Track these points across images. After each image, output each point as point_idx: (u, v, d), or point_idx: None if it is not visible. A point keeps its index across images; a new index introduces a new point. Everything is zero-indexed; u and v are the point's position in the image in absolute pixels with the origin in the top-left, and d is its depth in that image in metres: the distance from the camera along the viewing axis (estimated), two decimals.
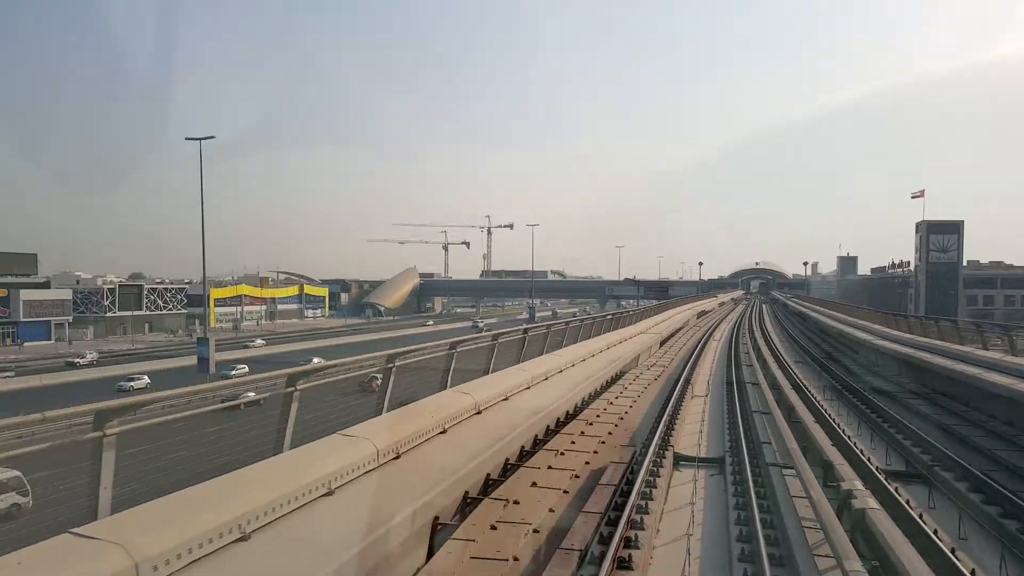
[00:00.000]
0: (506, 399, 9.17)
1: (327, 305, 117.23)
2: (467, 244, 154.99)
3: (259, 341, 73.30)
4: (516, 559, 5.05)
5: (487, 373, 10.47)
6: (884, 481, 8.63)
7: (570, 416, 10.71)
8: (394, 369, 7.77)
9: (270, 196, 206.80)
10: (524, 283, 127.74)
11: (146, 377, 41.65)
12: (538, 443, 8.86)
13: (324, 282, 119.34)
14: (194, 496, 4.18)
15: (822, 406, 13.90)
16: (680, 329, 30.22)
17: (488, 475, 6.87)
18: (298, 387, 5.81)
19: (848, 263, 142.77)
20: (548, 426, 9.65)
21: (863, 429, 13.39)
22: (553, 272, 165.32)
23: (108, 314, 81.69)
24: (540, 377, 11.01)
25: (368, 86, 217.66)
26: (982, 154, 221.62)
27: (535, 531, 5.59)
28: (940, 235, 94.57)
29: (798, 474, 8.00)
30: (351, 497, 4.95)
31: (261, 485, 4.45)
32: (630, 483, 7.25)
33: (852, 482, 7.25)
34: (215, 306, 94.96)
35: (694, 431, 11.03)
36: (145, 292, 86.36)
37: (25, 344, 71.92)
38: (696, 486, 8.66)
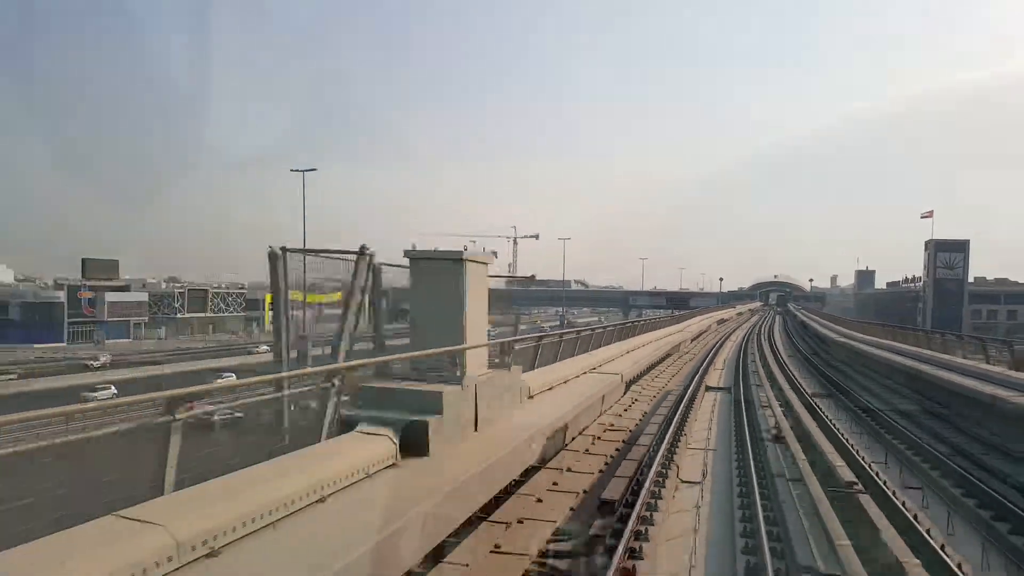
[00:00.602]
0: (601, 365, 19.60)
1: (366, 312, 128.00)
2: (495, 253, 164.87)
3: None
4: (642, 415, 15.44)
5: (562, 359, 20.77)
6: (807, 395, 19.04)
7: (650, 368, 21.11)
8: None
9: (294, 205, 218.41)
10: (549, 292, 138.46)
11: (112, 387, 38.74)
12: (634, 380, 19.27)
13: None
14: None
15: (789, 367, 24.38)
16: (704, 332, 40.58)
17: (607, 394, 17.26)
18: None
19: (865, 277, 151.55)
20: (639, 372, 20.07)
21: (808, 373, 23.82)
22: (576, 281, 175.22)
23: (178, 316, 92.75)
24: (621, 353, 21.28)
25: (394, 102, 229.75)
26: (998, 170, 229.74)
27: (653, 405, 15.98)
28: (947, 253, 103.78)
29: (763, 388, 18.40)
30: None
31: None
32: (686, 396, 17.61)
33: (788, 395, 17.64)
34: (270, 309, 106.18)
35: (717, 377, 21.42)
36: (210, 296, 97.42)
37: (107, 341, 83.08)
38: (716, 398, 18.93)
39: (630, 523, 7.33)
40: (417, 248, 8.24)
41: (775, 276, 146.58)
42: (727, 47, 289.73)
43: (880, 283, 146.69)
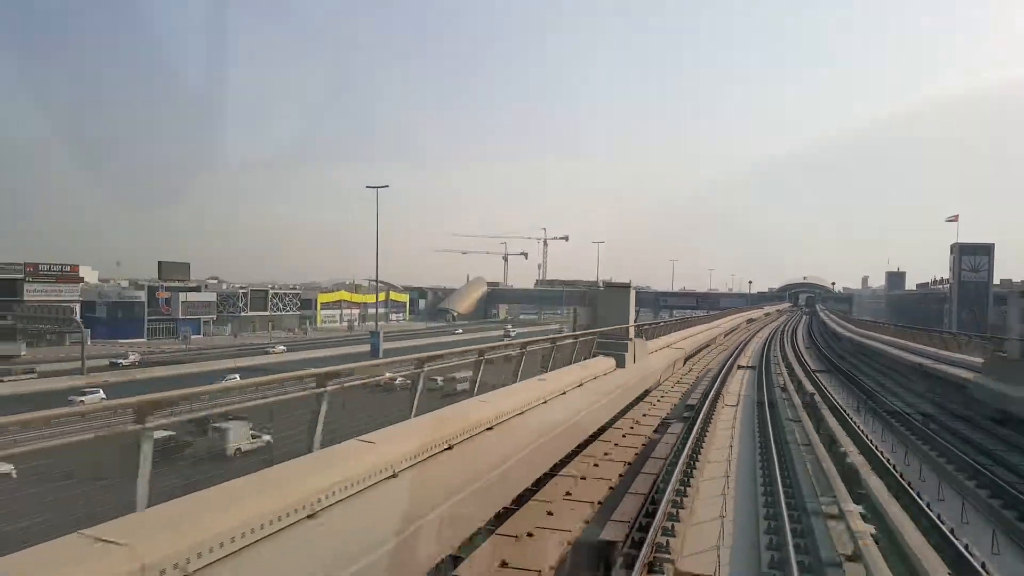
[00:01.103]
0: (674, 343, 28.49)
1: (407, 310, 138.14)
2: (525, 255, 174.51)
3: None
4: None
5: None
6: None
7: (698, 350, 29.99)
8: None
9: (321, 207, 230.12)
10: (579, 293, 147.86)
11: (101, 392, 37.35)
12: (690, 355, 28.19)
13: (404, 289, 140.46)
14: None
15: (803, 355, 33.17)
16: (735, 329, 49.27)
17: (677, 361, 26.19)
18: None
19: (896, 278, 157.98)
20: (693, 351, 28.98)
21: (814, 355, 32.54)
22: (604, 282, 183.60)
23: (241, 314, 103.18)
24: (682, 338, 30.11)
25: (411, 102, 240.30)
26: None
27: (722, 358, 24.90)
28: (971, 256, 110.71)
29: (780, 366, 27.23)
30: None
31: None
32: (726, 366, 26.49)
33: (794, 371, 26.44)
34: (321, 308, 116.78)
35: (746, 360, 30.26)
36: (269, 296, 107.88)
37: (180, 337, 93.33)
38: (746, 373, 27.69)
39: (704, 410, 16.34)
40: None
41: (804, 278, 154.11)
42: (756, 46, 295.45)
43: (911, 284, 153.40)
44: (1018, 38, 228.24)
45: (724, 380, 21.42)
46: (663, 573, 7.40)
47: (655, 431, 13.80)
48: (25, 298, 77.36)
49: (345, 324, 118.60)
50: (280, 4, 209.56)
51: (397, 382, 8.24)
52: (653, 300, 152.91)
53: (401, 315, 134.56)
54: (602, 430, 12.63)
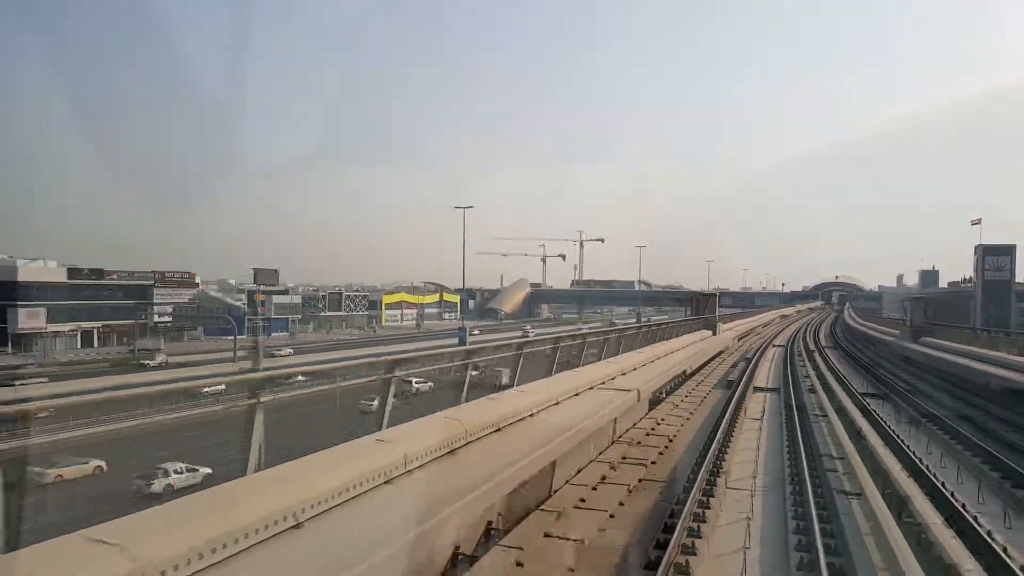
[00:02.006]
0: (729, 329, 44.57)
1: (458, 309, 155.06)
2: (563, 257, 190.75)
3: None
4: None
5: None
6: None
7: (742, 337, 46.03)
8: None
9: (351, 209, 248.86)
10: (620, 292, 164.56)
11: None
12: (739, 337, 44.26)
13: (456, 290, 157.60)
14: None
15: (820, 341, 49.19)
16: (770, 322, 65.12)
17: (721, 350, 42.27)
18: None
19: (929, 276, 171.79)
20: (741, 334, 45.06)
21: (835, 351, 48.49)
22: (640, 282, 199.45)
23: (321, 314, 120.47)
24: (732, 327, 45.96)
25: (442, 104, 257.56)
26: None
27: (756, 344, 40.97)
28: (995, 256, 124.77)
29: (801, 343, 43.23)
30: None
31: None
32: (763, 347, 42.53)
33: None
34: (385, 309, 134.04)
35: (780, 340, 46.22)
36: (343, 298, 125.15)
37: (273, 334, 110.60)
38: (777, 351, 43.57)
39: (753, 361, 32.36)
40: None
41: (836, 277, 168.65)
42: (786, 45, 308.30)
43: (944, 282, 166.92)
44: None
45: (765, 350, 37.38)
46: (749, 387, 23.32)
47: (732, 365, 29.80)
48: (154, 300, 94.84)
49: (406, 322, 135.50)
50: (302, 12, 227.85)
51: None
52: (690, 300, 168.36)
53: (453, 314, 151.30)
54: (704, 365, 28.43)
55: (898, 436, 16.61)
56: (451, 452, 8.11)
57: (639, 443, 13.79)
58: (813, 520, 9.23)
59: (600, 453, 12.51)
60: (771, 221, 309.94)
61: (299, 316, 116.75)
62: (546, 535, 8.31)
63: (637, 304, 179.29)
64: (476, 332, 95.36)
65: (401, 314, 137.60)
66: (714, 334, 30.08)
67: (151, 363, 67.49)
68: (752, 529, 9.29)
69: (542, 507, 9.32)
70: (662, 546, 8.16)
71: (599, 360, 16.17)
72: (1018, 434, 19.22)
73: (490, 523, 8.12)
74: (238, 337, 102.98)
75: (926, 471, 13.02)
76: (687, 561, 7.87)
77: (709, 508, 9.80)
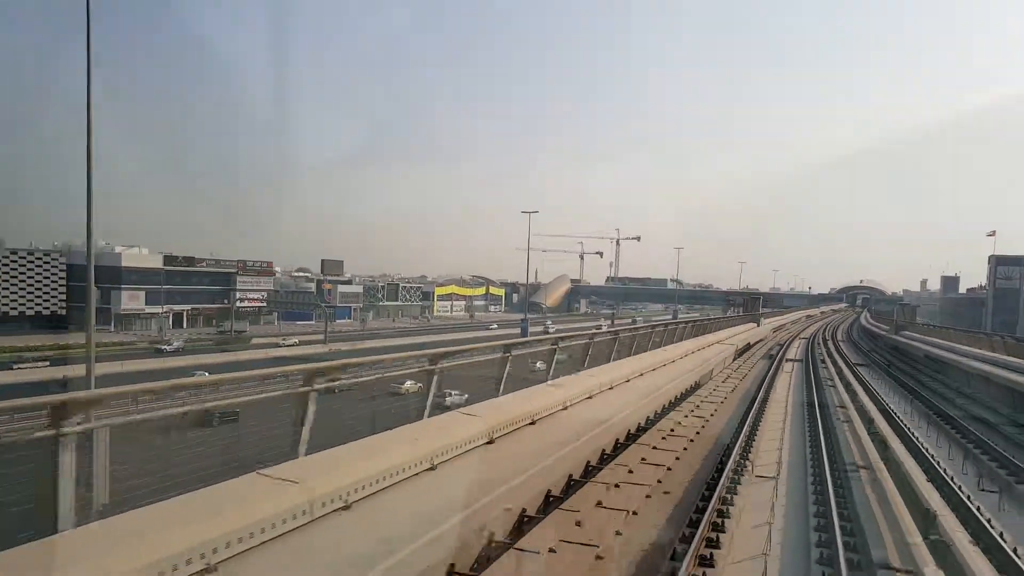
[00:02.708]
0: (768, 324, 59.13)
1: (503, 303, 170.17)
2: (600, 254, 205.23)
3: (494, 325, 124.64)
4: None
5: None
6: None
7: (775, 331, 60.64)
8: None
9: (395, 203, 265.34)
10: (656, 291, 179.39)
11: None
12: (779, 328, 58.84)
13: (501, 284, 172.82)
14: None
15: (838, 337, 63.87)
16: (798, 320, 79.57)
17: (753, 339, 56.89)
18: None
19: (950, 282, 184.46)
20: (775, 328, 59.68)
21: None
22: (672, 280, 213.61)
23: (380, 303, 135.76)
24: (769, 322, 60.36)
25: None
26: None
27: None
28: (1006, 266, 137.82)
29: (820, 336, 57.84)
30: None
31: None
32: (791, 340, 57.12)
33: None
34: (437, 300, 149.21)
35: (805, 336, 60.82)
36: (400, 289, 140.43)
37: (337, 321, 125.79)
38: (801, 342, 58.06)
39: (785, 345, 46.91)
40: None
41: (860, 281, 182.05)
42: (819, 38, 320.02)
43: (964, 288, 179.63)
44: None
45: (793, 340, 51.81)
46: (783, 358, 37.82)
47: (771, 347, 44.34)
48: (237, 287, 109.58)
49: (455, 313, 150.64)
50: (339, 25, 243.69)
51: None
52: (722, 299, 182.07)
53: (498, 307, 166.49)
54: (749, 346, 42.78)
55: (865, 378, 31.39)
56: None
57: (728, 378, 28.40)
58: (815, 406, 23.72)
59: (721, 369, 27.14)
60: (801, 224, 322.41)
61: (360, 305, 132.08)
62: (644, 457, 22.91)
63: (674, 302, 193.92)
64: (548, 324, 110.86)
65: (451, 305, 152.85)
66: (757, 325, 44.40)
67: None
68: (789, 408, 23.55)
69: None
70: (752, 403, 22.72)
71: (690, 338, 30.51)
72: (925, 375, 34.24)
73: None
74: (307, 323, 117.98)
75: (875, 392, 27.74)
76: (766, 400, 22.37)
77: (766, 407, 23.84)
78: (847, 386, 26.25)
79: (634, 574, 7.20)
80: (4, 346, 62.71)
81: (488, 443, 9.42)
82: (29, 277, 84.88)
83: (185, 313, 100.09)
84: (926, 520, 9.48)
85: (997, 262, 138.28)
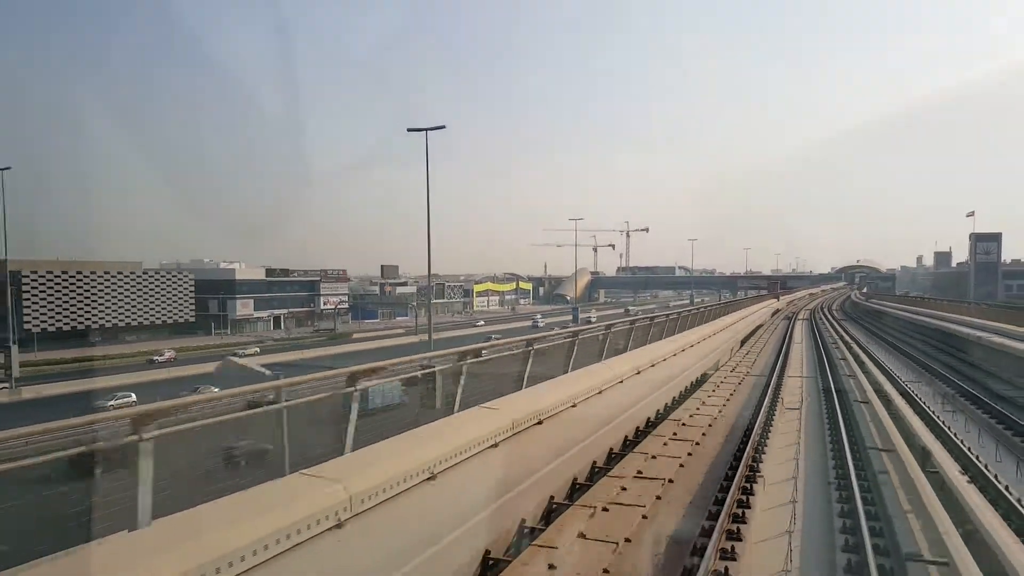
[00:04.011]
0: (776, 302, 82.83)
1: (531, 296, 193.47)
2: (612, 246, 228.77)
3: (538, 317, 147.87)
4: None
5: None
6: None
7: (791, 302, 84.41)
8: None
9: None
10: (669, 279, 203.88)
11: (132, 395, 45.23)
12: (791, 303, 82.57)
13: (529, 278, 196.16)
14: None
15: (833, 307, 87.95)
16: (802, 297, 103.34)
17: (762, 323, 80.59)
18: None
19: (943, 257, 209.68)
20: (785, 305, 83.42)
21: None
22: (680, 267, 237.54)
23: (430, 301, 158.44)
24: (779, 301, 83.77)
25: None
26: None
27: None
28: (985, 243, 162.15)
29: (821, 307, 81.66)
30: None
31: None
32: (797, 315, 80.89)
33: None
34: (476, 296, 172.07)
35: (809, 308, 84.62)
36: (445, 287, 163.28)
37: (397, 319, 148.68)
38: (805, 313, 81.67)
39: (796, 314, 70.59)
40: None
41: (858, 260, 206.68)
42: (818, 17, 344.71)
43: (956, 262, 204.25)
44: None
45: (801, 311, 75.19)
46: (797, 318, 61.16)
47: (786, 316, 67.72)
48: (321, 292, 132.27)
49: (492, 308, 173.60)
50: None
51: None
52: (731, 284, 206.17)
53: (527, 300, 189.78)
54: (777, 311, 65.95)
55: (844, 327, 55.28)
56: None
57: (773, 325, 51.59)
58: (820, 344, 46.94)
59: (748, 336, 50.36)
60: (802, 207, 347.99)
61: (414, 303, 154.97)
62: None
63: (681, 288, 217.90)
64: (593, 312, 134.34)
65: (488, 300, 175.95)
66: (777, 300, 67.46)
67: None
68: (803, 350, 46.06)
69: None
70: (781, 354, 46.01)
71: (734, 312, 53.49)
72: (874, 321, 58.55)
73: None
74: (373, 321, 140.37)
75: (844, 328, 51.58)
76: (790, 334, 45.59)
77: (790, 350, 46.38)
78: (831, 326, 50.02)
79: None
80: (148, 349, 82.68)
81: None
82: (163, 291, 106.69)
83: (282, 316, 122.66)
84: (846, 357, 32.96)
85: (977, 239, 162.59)
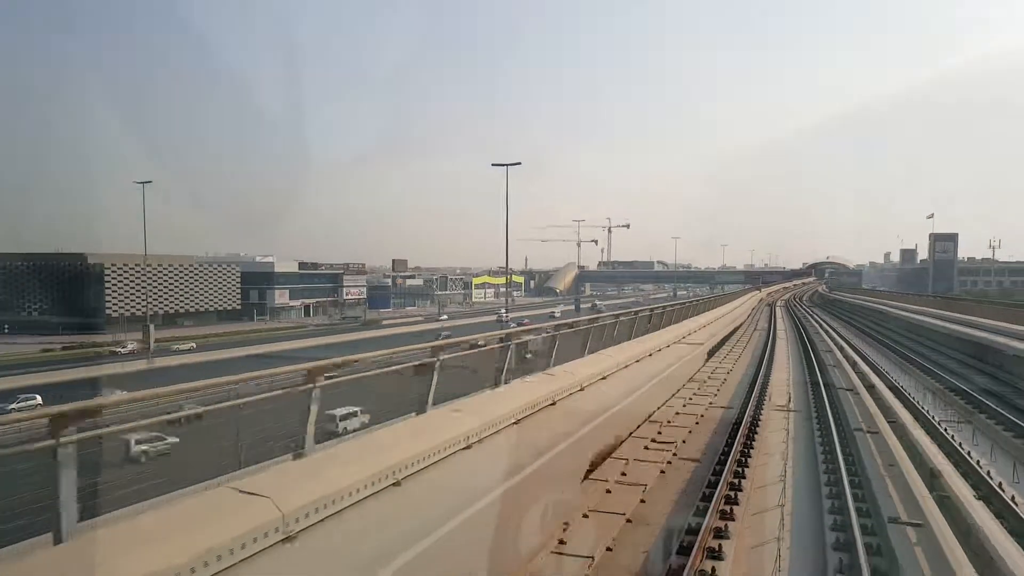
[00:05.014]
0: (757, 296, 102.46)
1: (523, 289, 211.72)
2: (595, 241, 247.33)
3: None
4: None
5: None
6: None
7: (772, 293, 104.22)
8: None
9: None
10: (646, 272, 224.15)
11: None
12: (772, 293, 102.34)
13: (521, 272, 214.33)
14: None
15: (804, 299, 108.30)
16: (777, 290, 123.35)
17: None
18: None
19: (908, 254, 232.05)
20: (766, 296, 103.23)
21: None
22: (658, 262, 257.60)
23: (435, 293, 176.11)
24: (759, 293, 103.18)
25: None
26: None
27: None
28: (943, 242, 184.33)
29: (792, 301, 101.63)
30: None
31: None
32: (775, 304, 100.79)
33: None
34: (474, 288, 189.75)
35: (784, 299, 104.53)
36: (448, 280, 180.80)
37: (407, 308, 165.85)
38: (780, 303, 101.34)
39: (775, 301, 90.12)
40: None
41: (827, 257, 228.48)
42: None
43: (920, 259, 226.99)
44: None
45: (777, 300, 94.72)
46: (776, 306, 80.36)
47: (768, 304, 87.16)
48: (344, 284, 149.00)
49: (488, 299, 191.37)
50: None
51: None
52: (708, 277, 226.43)
53: (519, 293, 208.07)
54: (761, 300, 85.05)
55: (812, 311, 75.09)
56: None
57: (760, 309, 70.68)
58: (793, 315, 66.34)
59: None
60: (774, 204, 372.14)
61: (424, 295, 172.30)
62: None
63: (659, 282, 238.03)
64: (596, 302, 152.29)
65: (484, 293, 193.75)
66: (759, 291, 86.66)
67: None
68: (784, 325, 65.26)
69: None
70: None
71: (722, 305, 72.17)
72: (833, 307, 78.80)
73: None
74: (386, 310, 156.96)
75: (812, 315, 71.33)
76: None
77: (776, 324, 65.67)
78: (802, 308, 69.80)
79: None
80: (199, 335, 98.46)
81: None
82: (213, 282, 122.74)
83: (311, 305, 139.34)
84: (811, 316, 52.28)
85: (936, 238, 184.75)
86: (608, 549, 9.69)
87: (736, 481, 12.73)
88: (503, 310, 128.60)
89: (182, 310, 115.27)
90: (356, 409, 24.68)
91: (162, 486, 7.59)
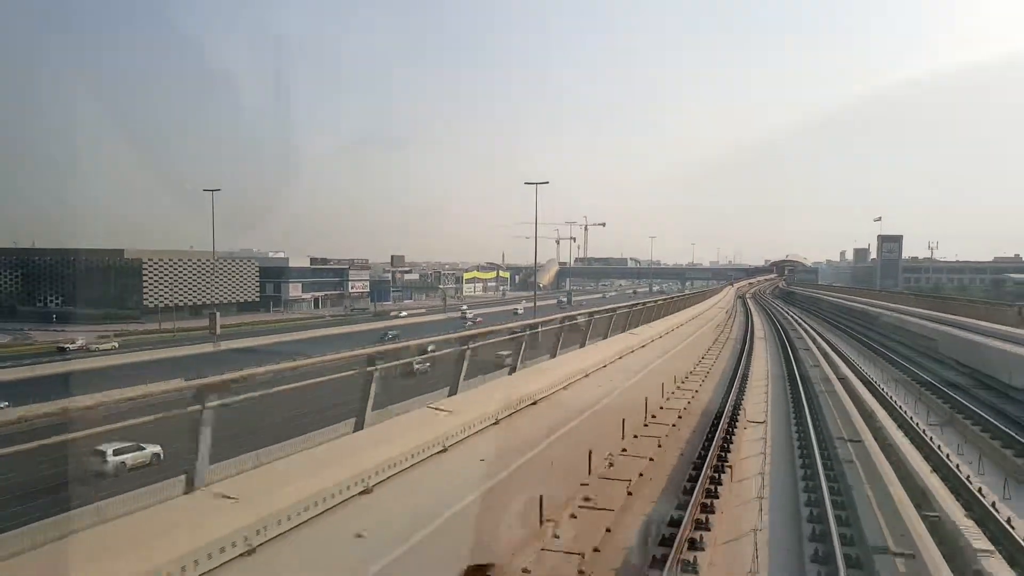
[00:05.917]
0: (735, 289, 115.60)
1: (509, 284, 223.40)
2: (574, 239, 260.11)
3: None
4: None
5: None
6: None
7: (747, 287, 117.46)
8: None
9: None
10: (621, 268, 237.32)
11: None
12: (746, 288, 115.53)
13: (508, 267, 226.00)
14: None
15: (768, 293, 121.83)
16: (744, 285, 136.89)
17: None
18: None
19: (862, 253, 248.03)
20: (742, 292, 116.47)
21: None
22: (631, 259, 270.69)
23: (429, 287, 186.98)
24: (730, 287, 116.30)
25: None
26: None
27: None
28: (889, 243, 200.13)
29: (759, 295, 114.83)
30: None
31: None
32: (746, 296, 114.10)
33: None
34: (465, 283, 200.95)
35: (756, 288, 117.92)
36: (441, 275, 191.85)
37: (405, 302, 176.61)
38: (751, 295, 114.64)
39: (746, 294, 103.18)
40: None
41: (787, 256, 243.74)
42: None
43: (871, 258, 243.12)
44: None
45: (746, 294, 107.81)
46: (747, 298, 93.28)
47: (740, 295, 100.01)
48: (349, 279, 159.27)
49: (477, 294, 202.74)
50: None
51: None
52: (680, 274, 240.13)
53: (506, 288, 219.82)
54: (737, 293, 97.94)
55: (776, 302, 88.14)
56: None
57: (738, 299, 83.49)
58: (763, 305, 79.46)
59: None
60: (737, 203, 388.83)
61: (420, 288, 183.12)
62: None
63: (634, 279, 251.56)
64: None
65: (474, 287, 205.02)
66: (732, 286, 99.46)
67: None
68: (760, 319, 78.14)
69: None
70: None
71: (703, 301, 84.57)
72: (790, 300, 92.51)
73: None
74: (385, 303, 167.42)
75: (772, 302, 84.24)
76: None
77: (753, 320, 78.44)
78: (764, 298, 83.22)
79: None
80: (248, 321, 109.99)
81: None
82: (234, 275, 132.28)
83: (320, 298, 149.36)
84: (785, 303, 65.05)
85: (883, 240, 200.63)
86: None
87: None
88: (464, 306, 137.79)
89: (206, 302, 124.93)
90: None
91: None
